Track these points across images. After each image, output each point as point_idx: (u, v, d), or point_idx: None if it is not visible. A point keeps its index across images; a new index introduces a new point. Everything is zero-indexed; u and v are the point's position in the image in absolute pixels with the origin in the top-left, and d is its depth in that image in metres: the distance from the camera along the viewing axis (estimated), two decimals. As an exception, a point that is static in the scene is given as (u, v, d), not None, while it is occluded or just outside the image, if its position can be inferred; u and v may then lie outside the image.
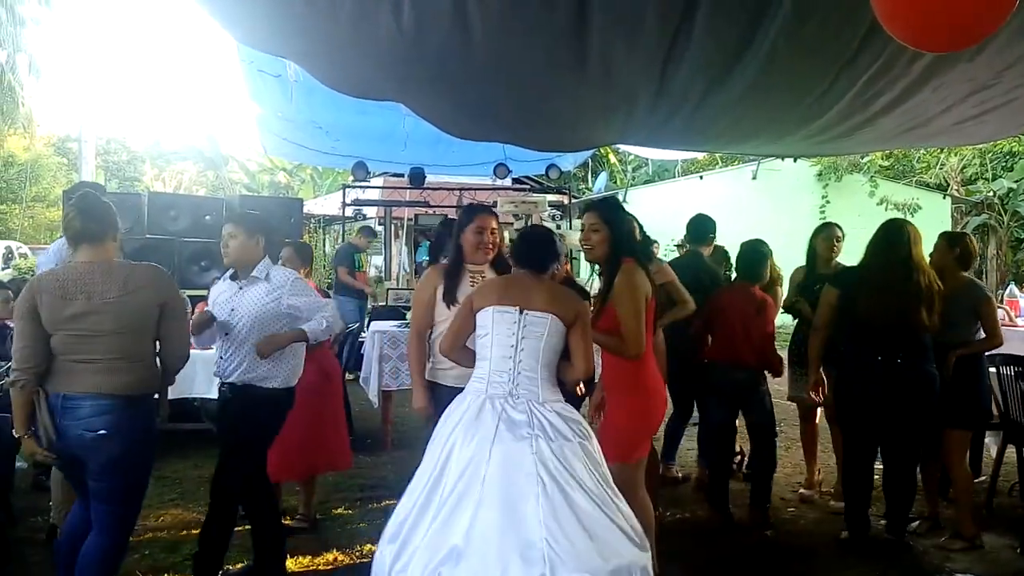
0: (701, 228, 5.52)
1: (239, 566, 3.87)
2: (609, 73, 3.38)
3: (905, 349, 4.06)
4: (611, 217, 3.54)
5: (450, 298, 3.59)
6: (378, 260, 16.27)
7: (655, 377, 3.53)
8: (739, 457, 5.47)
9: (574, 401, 3.28)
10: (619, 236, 3.51)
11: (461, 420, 2.96)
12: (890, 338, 4.06)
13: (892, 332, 4.05)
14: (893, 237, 4.11)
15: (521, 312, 3.03)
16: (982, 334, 4.38)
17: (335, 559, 4.09)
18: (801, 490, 5.23)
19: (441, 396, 3.51)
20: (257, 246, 3.59)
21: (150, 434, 3.17)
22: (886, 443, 4.24)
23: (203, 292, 6.99)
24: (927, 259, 4.20)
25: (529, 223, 10.35)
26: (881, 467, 4.38)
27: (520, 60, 3.32)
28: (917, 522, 4.55)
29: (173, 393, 5.34)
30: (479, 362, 3.10)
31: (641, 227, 4.78)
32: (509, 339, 3.02)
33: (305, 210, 12.87)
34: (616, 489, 3.00)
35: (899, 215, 14.92)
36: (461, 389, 3.20)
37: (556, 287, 3.26)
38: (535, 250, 3.25)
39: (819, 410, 5.16)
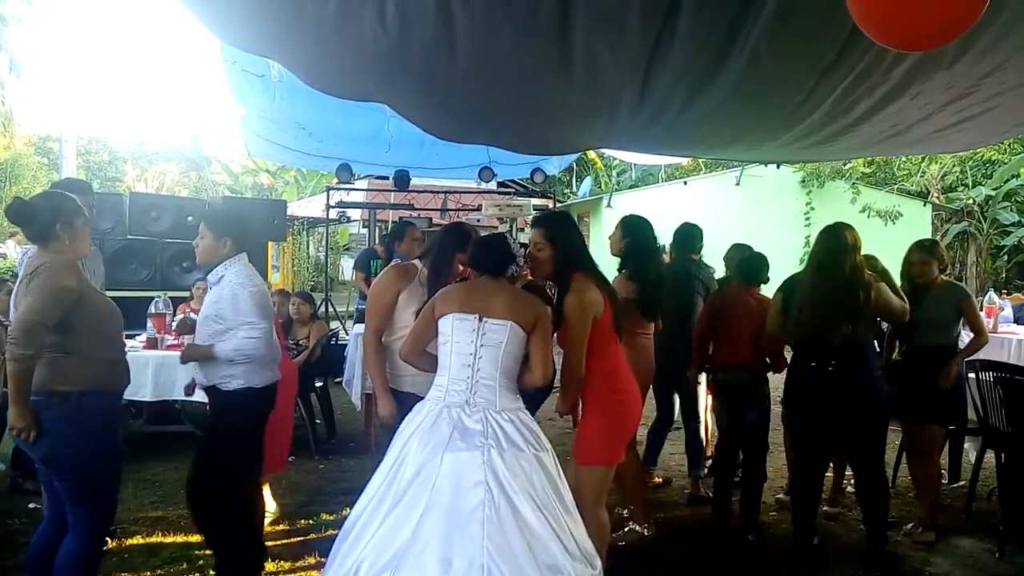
0: (687, 237, 5.53)
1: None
2: (592, 75, 3.38)
3: (838, 358, 4.02)
4: (556, 235, 3.47)
5: None
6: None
7: (628, 379, 3.50)
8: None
9: (536, 398, 3.23)
10: (565, 253, 3.45)
11: (418, 428, 2.96)
12: (825, 346, 4.03)
13: (825, 341, 4.02)
14: (829, 244, 4.04)
15: (480, 319, 3.03)
16: (963, 336, 4.51)
17: (317, 563, 4.06)
18: (781, 495, 5.24)
19: (399, 402, 3.48)
20: (224, 248, 3.49)
21: (86, 430, 3.04)
22: (846, 451, 4.31)
23: (184, 293, 6.97)
24: (865, 264, 4.08)
25: (514, 227, 10.41)
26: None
27: (504, 61, 3.31)
28: (911, 524, 4.64)
29: (154, 395, 5.37)
30: (440, 370, 3.09)
31: (652, 233, 4.61)
32: (468, 347, 3.01)
33: (289, 212, 12.81)
34: (568, 503, 2.98)
35: (881, 222, 15.07)
36: (419, 396, 3.19)
37: (517, 293, 3.24)
38: (490, 255, 3.24)
39: None
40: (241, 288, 3.41)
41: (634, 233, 4.44)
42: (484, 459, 2.83)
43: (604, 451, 3.41)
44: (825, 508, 5.05)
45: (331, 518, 4.73)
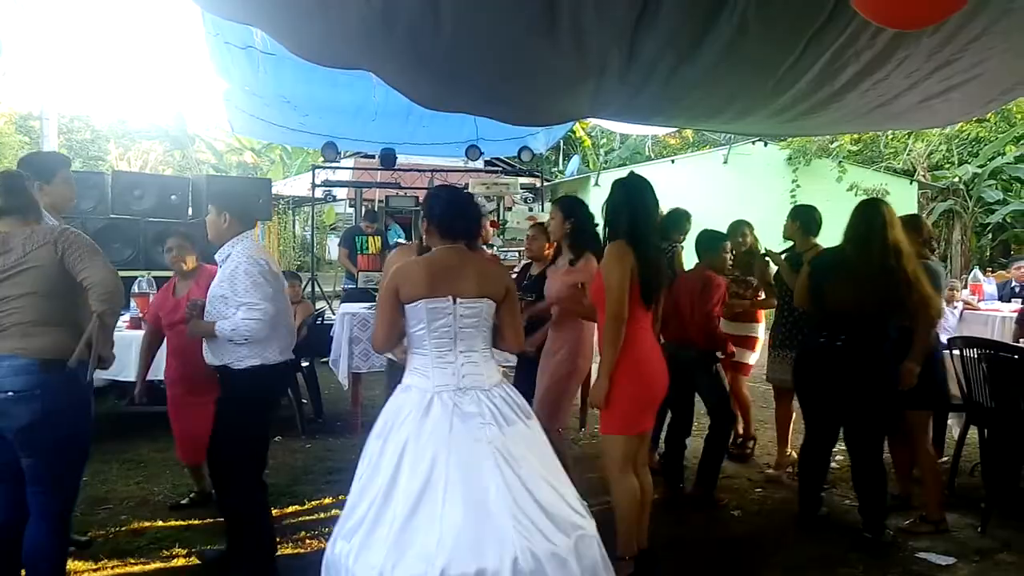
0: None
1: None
2: (579, 39, 3.34)
3: (850, 333, 3.98)
4: (617, 199, 3.51)
5: None
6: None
7: (651, 347, 3.50)
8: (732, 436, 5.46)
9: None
10: (616, 220, 3.49)
11: (409, 415, 2.84)
12: (840, 321, 4.01)
13: (844, 315, 3.99)
14: (868, 219, 3.99)
15: (454, 302, 2.90)
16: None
17: (304, 541, 4.05)
18: (768, 470, 5.28)
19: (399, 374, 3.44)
20: (224, 224, 3.51)
21: (75, 407, 3.00)
22: (845, 431, 4.21)
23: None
24: (904, 241, 4.01)
25: (501, 205, 10.32)
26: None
27: (489, 26, 3.26)
28: (908, 521, 4.49)
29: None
30: (417, 355, 2.95)
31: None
32: (447, 331, 2.90)
33: (274, 191, 12.72)
34: (557, 465, 2.94)
35: (867, 200, 15.12)
36: None
37: (483, 264, 3.10)
38: (459, 217, 3.04)
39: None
40: (237, 267, 3.40)
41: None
42: (488, 438, 2.77)
43: (624, 419, 3.43)
44: (769, 470, 5.26)
45: (318, 497, 4.72)
